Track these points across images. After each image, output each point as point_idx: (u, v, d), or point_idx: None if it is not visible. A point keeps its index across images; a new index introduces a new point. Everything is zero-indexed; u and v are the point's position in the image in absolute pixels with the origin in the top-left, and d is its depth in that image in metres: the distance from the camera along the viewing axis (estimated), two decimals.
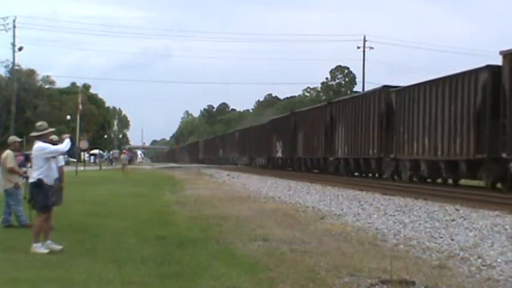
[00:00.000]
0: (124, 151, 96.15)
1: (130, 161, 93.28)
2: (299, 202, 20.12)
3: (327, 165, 39.57)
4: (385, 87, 31.62)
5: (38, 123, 10.28)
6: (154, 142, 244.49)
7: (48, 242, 10.04)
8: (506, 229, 12.85)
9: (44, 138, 10.24)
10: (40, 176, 10.06)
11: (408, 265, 8.98)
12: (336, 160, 37.91)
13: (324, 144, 39.71)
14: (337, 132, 37.38)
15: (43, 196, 10.07)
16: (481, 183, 23.94)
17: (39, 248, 9.83)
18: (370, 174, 34.99)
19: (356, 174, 36.26)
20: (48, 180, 10.09)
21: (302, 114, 46.77)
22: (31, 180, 10.18)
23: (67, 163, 31.00)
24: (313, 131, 41.93)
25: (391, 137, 30.24)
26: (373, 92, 33.36)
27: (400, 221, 14.67)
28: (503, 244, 10.97)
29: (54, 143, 10.59)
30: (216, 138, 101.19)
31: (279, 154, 51.53)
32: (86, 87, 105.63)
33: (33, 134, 10.26)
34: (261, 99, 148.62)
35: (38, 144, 10.16)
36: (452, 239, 11.70)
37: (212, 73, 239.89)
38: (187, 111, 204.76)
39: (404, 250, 10.59)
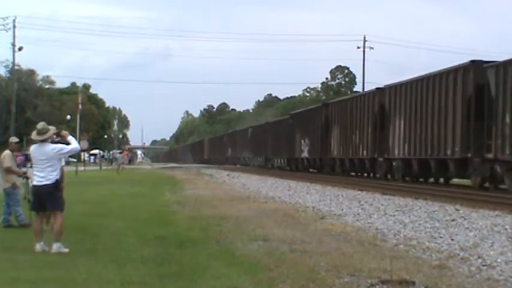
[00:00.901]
0: (125, 152, 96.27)
1: (131, 161, 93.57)
2: (299, 202, 20.12)
3: (374, 168, 32.94)
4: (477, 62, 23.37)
5: (40, 126, 10.19)
6: (154, 142, 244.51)
7: (42, 243, 10.04)
8: (506, 229, 12.84)
9: (50, 139, 10.23)
10: (58, 177, 10.10)
11: (408, 265, 8.97)
12: (388, 161, 30.79)
13: (372, 142, 32.47)
14: (394, 126, 29.85)
15: (62, 196, 10.18)
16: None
17: (61, 248, 9.87)
18: (440, 180, 28.33)
19: (420, 180, 29.08)
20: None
21: (339, 105, 38.76)
22: (47, 182, 10.04)
23: (67, 163, 31.02)
24: (356, 126, 34.57)
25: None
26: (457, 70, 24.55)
27: (400, 221, 14.66)
28: (503, 244, 10.97)
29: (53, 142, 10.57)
30: (224, 136, 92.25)
31: (305, 154, 44.38)
32: (86, 87, 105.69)
33: (39, 137, 10.12)
34: (261, 99, 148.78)
35: (53, 146, 10.10)
36: (452, 239, 11.69)
37: (212, 73, 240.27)
38: (187, 111, 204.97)
39: (404, 250, 10.59)
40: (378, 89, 33.16)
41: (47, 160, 10.03)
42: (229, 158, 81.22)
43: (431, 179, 28.58)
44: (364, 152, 33.30)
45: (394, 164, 30.05)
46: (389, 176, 30.67)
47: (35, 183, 10.15)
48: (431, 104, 26.13)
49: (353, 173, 37.14)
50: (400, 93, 29.29)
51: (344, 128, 36.52)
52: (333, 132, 38.41)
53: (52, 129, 10.23)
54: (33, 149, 10.27)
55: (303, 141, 44.76)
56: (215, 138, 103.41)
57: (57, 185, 10.09)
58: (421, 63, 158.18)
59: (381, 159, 31.24)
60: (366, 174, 35.42)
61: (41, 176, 10.04)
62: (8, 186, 13.12)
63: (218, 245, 10.78)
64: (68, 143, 10.30)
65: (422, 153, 26.79)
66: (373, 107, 32.52)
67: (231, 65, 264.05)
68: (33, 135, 10.18)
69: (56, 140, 10.32)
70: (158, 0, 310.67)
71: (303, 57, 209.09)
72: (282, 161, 52.37)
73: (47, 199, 10.05)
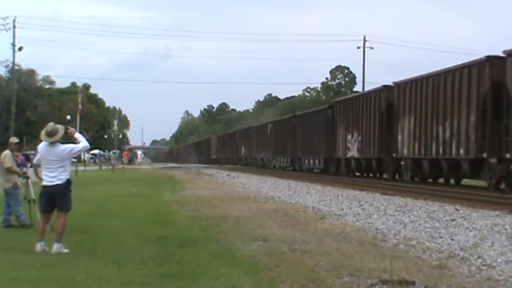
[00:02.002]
0: (125, 152, 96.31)
1: (131, 161, 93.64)
2: (299, 202, 20.12)
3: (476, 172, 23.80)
4: None
5: (49, 128, 10.13)
6: (154, 142, 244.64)
7: (42, 243, 10.05)
8: (506, 229, 12.84)
9: (60, 139, 10.24)
10: (68, 177, 10.12)
11: (408, 265, 8.97)
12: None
13: (479, 135, 23.03)
14: None
15: (70, 196, 10.20)
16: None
17: (62, 249, 9.88)
18: None
19: None
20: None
21: (410, 86, 28.80)
22: (58, 182, 10.02)
23: None
24: (441, 115, 25.59)
25: None
26: None
27: (400, 221, 14.66)
28: (503, 244, 10.97)
29: None
30: (236, 133, 79.00)
31: (353, 153, 34.92)
32: (86, 87, 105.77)
33: (50, 140, 10.10)
34: (261, 99, 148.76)
35: (65, 146, 10.11)
36: (452, 239, 11.69)
37: (212, 73, 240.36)
38: (187, 111, 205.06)
39: (404, 250, 10.59)
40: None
41: (59, 161, 10.04)
42: (243, 159, 70.54)
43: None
44: (461, 151, 24.17)
45: None
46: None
47: (45, 183, 10.11)
48: None
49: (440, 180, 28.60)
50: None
51: (421, 118, 27.41)
52: (402, 124, 29.24)
53: (61, 130, 10.21)
54: (42, 149, 10.23)
55: (349, 136, 35.33)
56: (225, 135, 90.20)
57: (68, 185, 10.11)
58: (421, 63, 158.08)
59: (494, 160, 22.27)
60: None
61: (52, 176, 10.04)
62: (9, 186, 13.13)
63: (218, 245, 10.78)
64: (75, 140, 10.34)
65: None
66: (483, 82, 22.79)
67: (231, 65, 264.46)
68: (43, 136, 10.12)
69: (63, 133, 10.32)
70: (158, 0, 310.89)
71: (303, 57, 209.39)
72: (317, 161, 42.21)
73: (58, 199, 10.07)
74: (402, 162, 29.58)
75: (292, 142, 48.26)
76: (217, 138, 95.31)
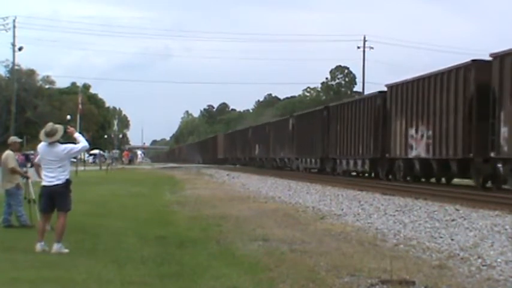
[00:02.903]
0: (125, 152, 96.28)
1: (131, 161, 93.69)
2: (299, 202, 20.12)
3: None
4: None
5: (48, 128, 10.14)
6: (154, 142, 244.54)
7: (42, 243, 10.05)
8: (506, 229, 12.85)
9: (59, 140, 10.23)
10: (68, 177, 10.12)
11: (408, 265, 8.97)
12: None
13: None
14: None
15: (70, 196, 10.21)
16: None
17: (61, 249, 9.88)
18: None
19: None
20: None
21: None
22: (58, 182, 10.03)
23: None
24: None
25: None
26: None
27: (400, 221, 14.67)
28: (503, 244, 10.97)
29: None
30: (249, 130, 68.48)
31: (418, 152, 27.30)
32: (86, 87, 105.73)
33: (49, 140, 10.10)
34: (261, 99, 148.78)
35: (64, 147, 10.10)
36: (452, 239, 11.70)
37: (212, 73, 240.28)
38: (187, 111, 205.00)
39: (404, 250, 10.60)
40: None
41: (58, 161, 10.04)
42: (256, 159, 62.35)
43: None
44: None
45: None
46: None
47: (45, 183, 10.11)
48: None
49: None
50: None
51: None
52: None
53: (61, 130, 10.21)
54: (42, 149, 10.23)
55: (412, 131, 27.85)
56: (236, 133, 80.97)
57: (67, 185, 10.12)
58: (421, 63, 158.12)
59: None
60: None
61: (52, 176, 10.04)
62: (11, 186, 13.12)
63: (218, 245, 10.78)
64: (75, 140, 10.34)
65: None
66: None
67: (231, 65, 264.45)
68: (42, 137, 10.13)
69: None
70: (158, 0, 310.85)
71: (303, 57, 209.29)
72: (359, 163, 34.36)
73: (58, 199, 10.07)
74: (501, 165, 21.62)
75: (323, 139, 40.07)
76: (225, 136, 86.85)
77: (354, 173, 37.14)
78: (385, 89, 31.33)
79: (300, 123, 46.75)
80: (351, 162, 35.69)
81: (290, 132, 49.00)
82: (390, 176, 30.87)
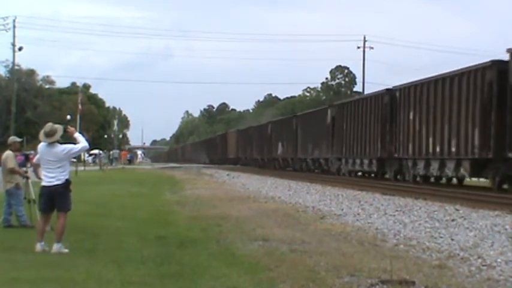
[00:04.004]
0: (123, 152, 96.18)
1: (131, 161, 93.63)
2: (299, 202, 20.12)
3: None
4: None
5: (47, 128, 10.14)
6: (154, 142, 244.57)
7: (42, 243, 10.05)
8: (506, 229, 12.85)
9: (59, 140, 10.23)
10: (67, 177, 10.13)
11: (408, 265, 8.97)
12: None
13: None
14: None
15: (70, 196, 10.21)
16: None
17: (61, 249, 9.89)
18: None
19: None
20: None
21: None
22: (57, 182, 10.03)
23: None
24: None
25: None
26: None
27: (400, 221, 14.67)
28: (503, 244, 10.97)
29: None
30: (268, 125, 57.86)
31: None
32: (86, 87, 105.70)
33: (48, 140, 10.09)
34: (261, 99, 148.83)
35: (63, 147, 10.11)
36: (452, 239, 11.70)
37: (212, 73, 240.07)
38: (187, 111, 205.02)
39: (404, 250, 10.60)
40: None
41: (57, 161, 10.04)
42: (279, 159, 53.02)
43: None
44: None
45: None
46: None
47: (44, 183, 10.11)
48: None
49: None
50: None
51: None
52: None
53: (60, 130, 10.20)
54: (41, 149, 10.24)
55: None
56: (250, 129, 67.89)
57: (67, 185, 10.12)
58: (421, 63, 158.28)
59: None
60: None
61: (51, 176, 10.05)
62: (11, 186, 13.13)
63: (218, 245, 10.78)
64: (75, 140, 10.34)
65: None
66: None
67: (231, 65, 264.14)
68: (42, 137, 10.13)
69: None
70: (159, 0, 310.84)
71: (303, 57, 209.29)
72: (451, 166, 24.32)
73: (57, 199, 10.07)
74: None
75: (383, 134, 30.06)
76: (238, 133, 74.22)
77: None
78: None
79: (345, 114, 35.95)
80: (435, 164, 25.51)
81: (329, 126, 38.80)
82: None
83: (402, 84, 29.38)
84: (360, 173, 35.72)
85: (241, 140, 71.51)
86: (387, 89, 30.92)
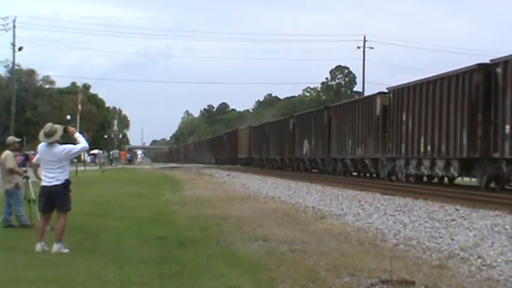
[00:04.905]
0: (122, 152, 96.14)
1: (130, 161, 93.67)
2: (299, 202, 20.12)
3: None
4: None
5: (47, 128, 10.12)
6: (154, 142, 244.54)
7: (42, 243, 10.05)
8: (506, 229, 12.85)
9: (59, 140, 10.23)
10: (67, 177, 10.13)
11: (408, 265, 8.98)
12: None
13: None
14: None
15: (70, 197, 10.20)
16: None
17: (61, 249, 9.89)
18: None
19: None
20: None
21: None
22: (57, 182, 10.02)
23: None
24: None
25: None
26: None
27: (400, 221, 14.67)
28: (503, 244, 10.97)
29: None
30: (289, 120, 49.57)
31: None
32: (86, 87, 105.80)
33: (48, 140, 10.08)
34: (261, 99, 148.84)
35: (63, 147, 10.09)
36: (452, 239, 11.70)
37: (212, 73, 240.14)
38: (187, 111, 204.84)
39: (404, 250, 10.60)
40: None
41: (57, 161, 10.04)
42: (304, 160, 45.27)
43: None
44: None
45: None
46: None
47: (44, 183, 10.11)
48: None
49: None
50: None
51: None
52: None
53: (60, 130, 10.19)
54: (41, 149, 10.24)
55: None
56: (266, 125, 59.02)
57: (66, 185, 10.11)
58: (422, 63, 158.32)
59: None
60: None
61: (51, 176, 10.04)
62: (11, 186, 13.13)
63: (218, 245, 10.78)
64: (75, 140, 10.34)
65: None
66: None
67: (231, 65, 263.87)
68: (41, 137, 10.12)
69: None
70: (160, 0, 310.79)
71: (303, 57, 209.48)
72: None
73: (57, 199, 10.07)
74: None
75: (473, 125, 22.55)
76: (251, 130, 64.91)
77: None
78: None
79: (403, 104, 28.32)
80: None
81: (379, 118, 31.24)
82: None
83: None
84: (422, 178, 28.30)
85: (255, 138, 62.36)
86: (475, 67, 22.90)
